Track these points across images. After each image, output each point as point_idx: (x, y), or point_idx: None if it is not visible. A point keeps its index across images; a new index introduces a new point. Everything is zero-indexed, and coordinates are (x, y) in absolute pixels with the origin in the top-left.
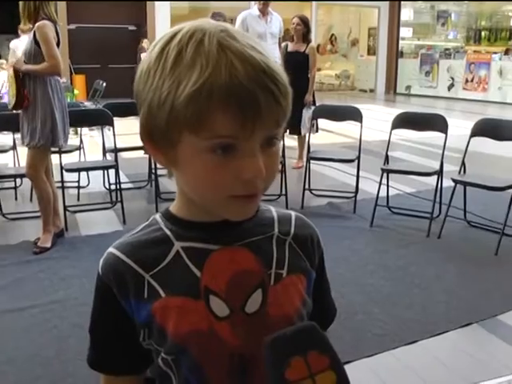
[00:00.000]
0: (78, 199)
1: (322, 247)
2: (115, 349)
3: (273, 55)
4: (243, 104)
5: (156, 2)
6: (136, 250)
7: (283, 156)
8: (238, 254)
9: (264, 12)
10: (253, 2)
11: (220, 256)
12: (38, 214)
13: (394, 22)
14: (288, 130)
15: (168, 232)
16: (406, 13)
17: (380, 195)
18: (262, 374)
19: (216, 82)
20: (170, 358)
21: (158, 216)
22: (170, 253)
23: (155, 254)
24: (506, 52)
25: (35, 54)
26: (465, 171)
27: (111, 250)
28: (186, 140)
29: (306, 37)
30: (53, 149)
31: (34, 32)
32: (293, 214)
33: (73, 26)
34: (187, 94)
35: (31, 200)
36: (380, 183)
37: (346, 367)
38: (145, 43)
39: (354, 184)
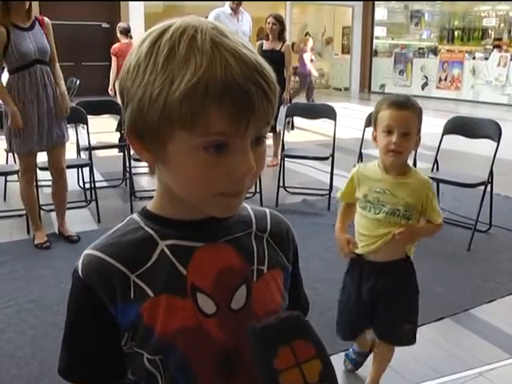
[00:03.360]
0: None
1: (296, 242)
2: (96, 356)
3: None
4: (238, 101)
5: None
6: (119, 251)
7: None
8: (222, 251)
9: (236, 11)
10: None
11: (204, 253)
12: (9, 213)
13: (368, 21)
14: None
15: (151, 231)
16: (380, 12)
17: None
18: (248, 371)
19: (211, 79)
20: (157, 357)
21: (135, 216)
22: (155, 252)
23: (140, 254)
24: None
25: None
26: (438, 168)
27: (90, 251)
28: (177, 137)
29: (281, 35)
30: None
31: (41, 29)
32: (267, 210)
33: None
34: (182, 91)
35: (5, 199)
36: None
37: None
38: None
39: (328, 181)
